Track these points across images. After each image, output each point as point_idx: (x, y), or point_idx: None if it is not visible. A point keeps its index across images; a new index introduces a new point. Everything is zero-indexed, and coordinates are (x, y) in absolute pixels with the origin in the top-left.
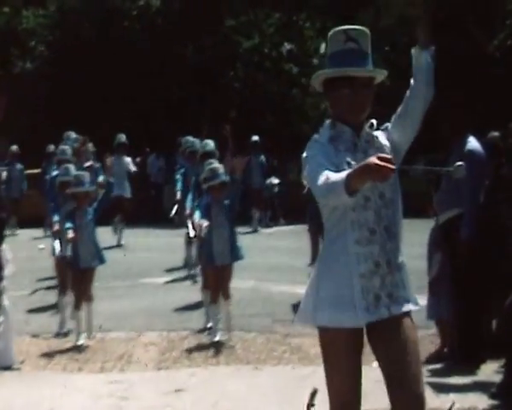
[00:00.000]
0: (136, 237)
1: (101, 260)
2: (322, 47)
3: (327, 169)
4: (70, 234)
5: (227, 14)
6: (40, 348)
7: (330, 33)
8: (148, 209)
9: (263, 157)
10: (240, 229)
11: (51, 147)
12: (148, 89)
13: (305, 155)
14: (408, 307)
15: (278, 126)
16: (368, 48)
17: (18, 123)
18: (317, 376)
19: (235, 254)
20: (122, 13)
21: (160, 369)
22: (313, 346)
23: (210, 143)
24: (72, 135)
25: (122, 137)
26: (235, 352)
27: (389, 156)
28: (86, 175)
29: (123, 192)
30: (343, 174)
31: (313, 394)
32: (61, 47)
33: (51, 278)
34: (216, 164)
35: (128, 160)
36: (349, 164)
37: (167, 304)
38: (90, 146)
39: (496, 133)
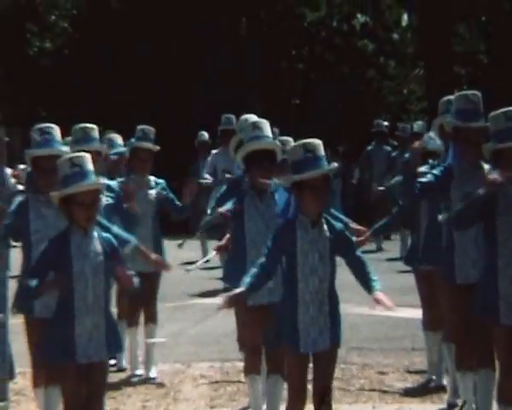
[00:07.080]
0: (190, 251)
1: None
2: (404, 18)
3: None
4: None
5: None
6: None
7: None
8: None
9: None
10: None
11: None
12: (189, 72)
13: None
14: None
15: (350, 116)
16: None
17: (32, 113)
18: None
19: None
20: None
21: (214, 408)
22: (397, 379)
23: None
24: (119, 140)
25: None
26: None
27: None
28: None
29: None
30: None
31: None
32: (88, 23)
33: None
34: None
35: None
36: None
37: (220, 329)
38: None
39: None
